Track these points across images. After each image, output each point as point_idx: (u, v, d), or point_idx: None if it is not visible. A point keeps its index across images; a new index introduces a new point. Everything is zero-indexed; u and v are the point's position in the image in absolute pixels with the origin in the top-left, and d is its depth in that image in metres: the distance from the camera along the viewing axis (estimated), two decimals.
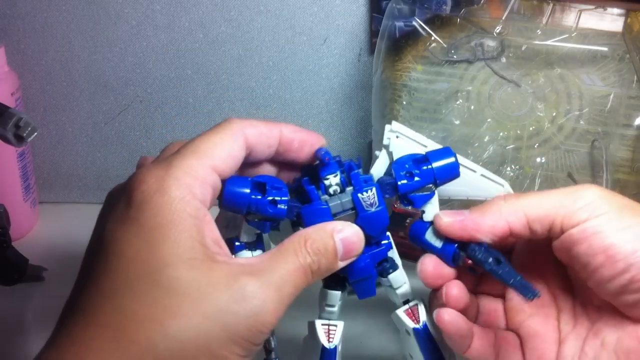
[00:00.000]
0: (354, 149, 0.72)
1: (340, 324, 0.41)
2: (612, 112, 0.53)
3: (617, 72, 0.53)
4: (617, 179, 0.54)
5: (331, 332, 0.41)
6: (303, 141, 0.39)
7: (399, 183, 0.38)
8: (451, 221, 0.38)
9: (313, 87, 0.70)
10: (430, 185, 0.39)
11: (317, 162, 0.39)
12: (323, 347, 0.40)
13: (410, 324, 0.41)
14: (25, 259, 0.61)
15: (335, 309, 0.41)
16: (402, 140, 0.41)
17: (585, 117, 0.54)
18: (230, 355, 0.32)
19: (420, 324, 0.41)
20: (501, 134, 0.55)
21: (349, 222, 0.37)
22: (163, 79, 0.70)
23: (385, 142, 0.42)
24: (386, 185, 0.39)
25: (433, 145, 0.41)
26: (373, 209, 0.38)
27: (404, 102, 0.57)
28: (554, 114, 0.55)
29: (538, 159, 0.55)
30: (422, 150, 0.41)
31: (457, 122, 0.56)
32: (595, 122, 0.54)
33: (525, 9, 0.55)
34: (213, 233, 0.34)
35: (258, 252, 0.40)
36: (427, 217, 0.40)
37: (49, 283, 0.60)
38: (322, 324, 0.41)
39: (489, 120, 0.56)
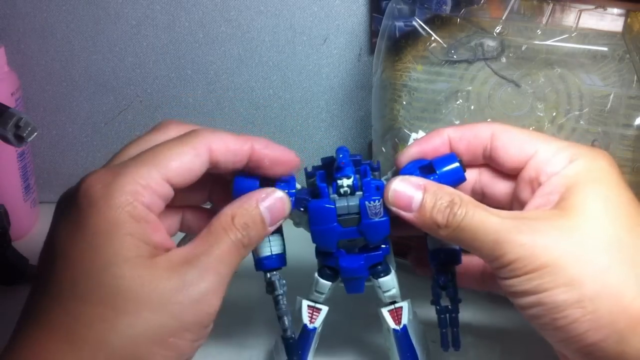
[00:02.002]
0: (354, 149, 0.72)
1: (325, 309, 0.43)
2: (612, 112, 0.53)
3: (617, 72, 0.53)
4: None
5: (315, 314, 0.43)
6: (275, 159, 0.40)
7: None
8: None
9: (313, 87, 0.70)
10: None
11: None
12: (304, 326, 0.42)
13: (392, 324, 0.42)
14: (25, 259, 0.61)
15: (323, 295, 0.42)
16: None
17: (585, 117, 0.54)
18: (182, 341, 0.33)
19: (401, 326, 0.42)
20: None
21: (272, 188, 0.39)
22: (163, 79, 0.70)
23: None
24: None
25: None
26: (377, 218, 0.39)
27: (404, 102, 0.57)
28: (554, 114, 0.55)
29: None
30: None
31: (457, 122, 0.56)
32: (595, 122, 0.54)
33: (525, 9, 0.55)
34: (160, 235, 0.35)
35: (274, 236, 0.41)
36: None
37: None
38: (308, 305, 0.43)
39: (489, 120, 0.56)
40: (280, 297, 0.41)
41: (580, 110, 0.54)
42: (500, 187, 0.41)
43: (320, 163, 0.42)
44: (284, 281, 0.41)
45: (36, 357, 0.32)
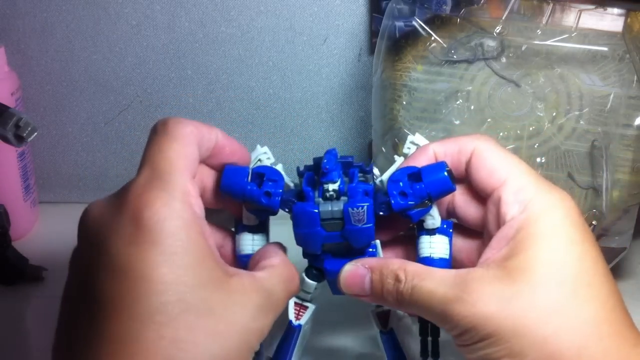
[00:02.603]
0: (354, 149, 0.72)
1: (312, 307, 0.43)
2: (612, 112, 0.53)
3: (617, 72, 0.53)
4: (617, 179, 0.54)
5: (301, 311, 0.43)
6: (233, 151, 0.40)
7: (392, 202, 0.39)
8: None
9: (313, 87, 0.70)
10: (426, 201, 0.39)
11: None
12: (289, 322, 0.42)
13: (378, 327, 0.43)
14: (25, 259, 0.61)
15: (310, 294, 0.42)
16: None
17: (585, 117, 0.54)
18: None
19: (387, 328, 0.42)
20: (501, 134, 0.55)
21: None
22: (163, 79, 0.70)
23: (405, 151, 0.43)
24: (381, 204, 0.39)
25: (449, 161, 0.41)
26: (360, 225, 0.38)
27: (404, 102, 0.57)
28: (554, 114, 0.55)
29: (538, 159, 0.55)
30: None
31: (457, 122, 0.56)
32: (595, 122, 0.54)
33: (525, 9, 0.55)
34: (213, 245, 0.35)
35: (259, 235, 0.41)
36: (427, 225, 0.41)
37: (49, 283, 0.60)
38: (295, 302, 0.43)
39: (489, 120, 0.56)
40: None
41: (580, 110, 0.54)
42: (472, 210, 0.41)
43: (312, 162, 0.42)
44: None
45: None
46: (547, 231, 0.36)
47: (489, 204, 0.39)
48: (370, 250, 0.41)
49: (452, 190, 0.39)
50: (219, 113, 0.71)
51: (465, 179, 0.41)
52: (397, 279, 0.37)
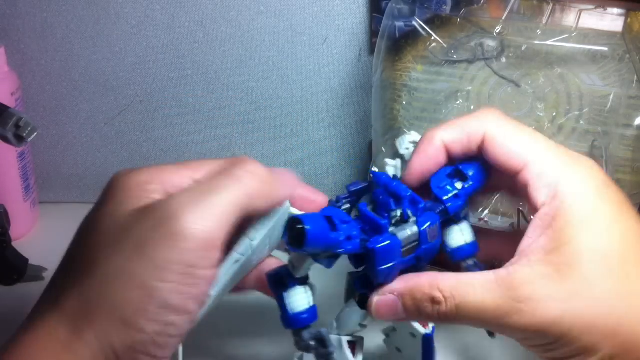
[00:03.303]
0: (354, 149, 0.72)
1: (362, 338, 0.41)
2: (612, 112, 0.53)
3: (617, 72, 0.53)
4: (617, 179, 0.54)
5: (356, 347, 0.40)
6: (305, 199, 0.38)
7: (449, 205, 0.37)
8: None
9: (313, 87, 0.70)
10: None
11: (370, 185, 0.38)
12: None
13: (421, 329, 0.41)
14: (25, 259, 0.61)
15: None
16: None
17: (585, 117, 0.54)
18: (161, 283, 0.30)
19: (429, 328, 0.41)
20: None
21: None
22: (163, 79, 0.70)
23: (403, 151, 0.41)
24: (440, 212, 0.37)
25: None
26: (433, 241, 0.37)
27: (404, 102, 0.57)
28: (554, 114, 0.55)
29: None
30: None
31: None
32: (595, 122, 0.54)
33: (525, 9, 0.55)
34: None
35: (306, 286, 0.39)
36: (459, 216, 0.39)
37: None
38: (348, 341, 0.40)
39: (483, 107, 0.56)
40: (332, 355, 0.38)
41: (580, 110, 0.54)
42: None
43: (346, 191, 0.39)
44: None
45: (31, 317, 0.32)
46: (584, 216, 0.34)
47: (515, 186, 0.37)
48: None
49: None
50: (219, 113, 0.71)
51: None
52: (435, 301, 0.34)
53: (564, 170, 0.35)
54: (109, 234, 0.31)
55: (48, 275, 0.61)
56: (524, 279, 0.33)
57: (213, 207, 0.31)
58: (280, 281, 0.38)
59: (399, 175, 0.40)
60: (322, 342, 0.39)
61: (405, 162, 0.41)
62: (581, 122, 0.54)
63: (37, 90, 0.70)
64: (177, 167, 0.34)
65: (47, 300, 0.33)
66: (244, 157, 0.35)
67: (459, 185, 0.38)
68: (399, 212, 0.36)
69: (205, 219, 0.30)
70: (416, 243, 0.36)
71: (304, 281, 0.39)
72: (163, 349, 0.30)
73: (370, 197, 0.38)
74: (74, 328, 0.30)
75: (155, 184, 0.33)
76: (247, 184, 0.33)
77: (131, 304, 0.29)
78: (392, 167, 0.42)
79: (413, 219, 0.36)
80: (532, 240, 0.35)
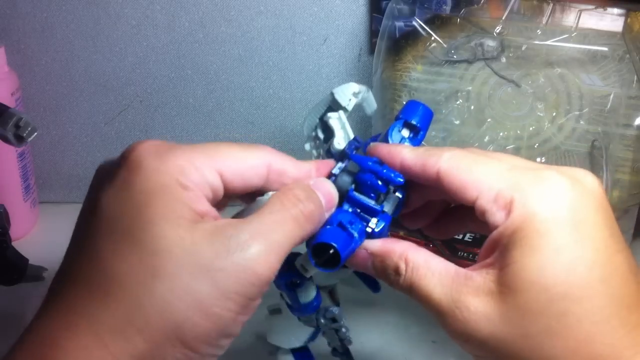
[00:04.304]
0: None
1: None
2: (612, 112, 0.53)
3: (617, 72, 0.53)
4: (617, 179, 0.54)
5: None
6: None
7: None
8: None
9: (313, 87, 0.70)
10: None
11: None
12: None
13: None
14: (25, 259, 0.61)
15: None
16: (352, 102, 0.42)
17: (585, 117, 0.54)
18: (224, 312, 0.31)
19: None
20: (501, 134, 0.55)
21: (322, 178, 0.38)
22: (163, 79, 0.70)
23: (345, 103, 0.41)
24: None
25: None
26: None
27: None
28: (554, 114, 0.55)
29: (538, 159, 0.55)
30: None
31: (457, 122, 0.56)
32: (595, 122, 0.54)
33: (525, 9, 0.55)
34: (207, 206, 0.33)
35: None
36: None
37: (49, 283, 0.59)
38: None
39: (489, 120, 0.56)
40: (343, 327, 0.42)
41: (580, 110, 0.54)
42: None
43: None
44: None
45: (68, 320, 0.31)
46: (532, 241, 0.32)
47: (477, 215, 0.35)
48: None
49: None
50: (219, 113, 0.71)
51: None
52: (397, 272, 0.35)
53: (521, 189, 0.33)
54: (169, 246, 0.31)
55: (48, 275, 0.61)
56: (473, 288, 0.33)
57: (278, 247, 0.33)
58: (292, 283, 0.40)
59: (351, 135, 0.41)
60: (333, 319, 0.41)
61: (347, 113, 0.41)
62: (581, 122, 0.54)
63: (37, 90, 0.70)
64: (205, 158, 0.34)
65: (77, 297, 0.31)
66: (296, 185, 0.36)
67: (406, 133, 0.40)
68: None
69: (272, 257, 0.32)
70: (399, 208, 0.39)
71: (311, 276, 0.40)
72: None
73: (353, 179, 0.38)
74: (125, 339, 0.30)
75: (191, 181, 0.33)
76: (305, 229, 0.34)
77: (193, 328, 0.30)
78: (336, 119, 0.41)
79: (392, 189, 0.38)
80: (483, 255, 0.34)
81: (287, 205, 0.34)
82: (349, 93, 0.40)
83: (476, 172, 0.35)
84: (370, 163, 0.38)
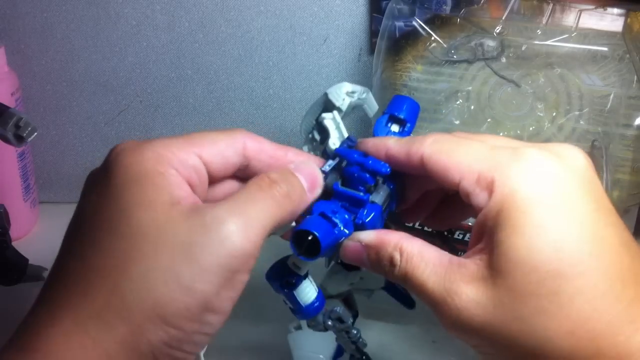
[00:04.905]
0: None
1: None
2: (612, 112, 0.53)
3: (617, 72, 0.53)
4: (617, 179, 0.54)
5: None
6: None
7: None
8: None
9: (313, 87, 0.70)
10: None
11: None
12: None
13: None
14: (25, 259, 0.61)
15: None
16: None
17: (585, 117, 0.54)
18: (204, 286, 0.30)
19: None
20: (501, 134, 0.55)
21: (304, 160, 0.38)
22: (163, 79, 0.70)
23: (340, 104, 0.41)
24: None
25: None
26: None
27: None
28: (554, 114, 0.55)
29: None
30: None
31: (457, 122, 0.56)
32: (595, 122, 0.54)
33: (525, 9, 0.55)
34: (184, 190, 0.33)
35: (309, 277, 0.40)
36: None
37: None
38: None
39: (489, 120, 0.56)
40: (350, 327, 0.42)
41: (580, 110, 0.54)
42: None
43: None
44: None
45: (52, 314, 0.31)
46: (515, 219, 0.31)
47: (462, 198, 0.35)
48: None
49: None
50: (219, 113, 0.71)
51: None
52: (392, 263, 0.35)
53: (501, 168, 0.33)
54: (146, 229, 0.31)
55: (48, 275, 0.61)
56: (465, 275, 0.32)
57: (256, 221, 0.32)
58: (287, 283, 0.39)
59: (345, 134, 0.41)
60: (339, 319, 0.41)
61: (341, 112, 0.41)
62: (581, 122, 0.54)
63: (37, 90, 0.70)
64: (182, 144, 0.35)
65: (61, 292, 0.32)
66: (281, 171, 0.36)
67: (396, 128, 0.40)
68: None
69: (250, 230, 0.32)
70: (390, 198, 0.38)
71: (306, 274, 0.40)
72: (197, 345, 0.31)
73: (340, 173, 0.39)
74: (106, 324, 0.30)
75: (170, 167, 0.33)
76: (283, 206, 0.34)
77: (174, 304, 0.30)
78: (330, 119, 0.41)
79: (381, 179, 0.38)
80: (473, 241, 0.34)
81: (263, 187, 0.34)
82: (343, 93, 0.41)
83: (458, 155, 0.34)
84: (356, 156, 0.38)
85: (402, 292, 0.47)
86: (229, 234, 0.31)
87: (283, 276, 0.39)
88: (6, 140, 0.46)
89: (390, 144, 0.38)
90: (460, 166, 0.34)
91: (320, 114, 0.41)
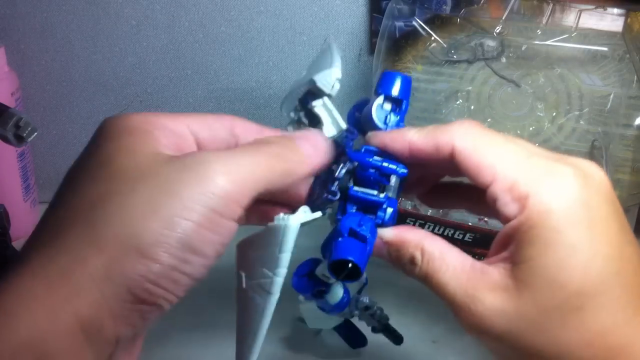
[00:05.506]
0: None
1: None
2: (612, 112, 0.53)
3: (617, 72, 0.53)
4: (617, 179, 0.54)
5: None
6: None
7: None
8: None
9: None
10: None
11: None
12: None
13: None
14: None
15: None
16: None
17: (585, 117, 0.54)
18: (184, 221, 0.29)
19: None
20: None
21: (309, 129, 0.37)
22: (163, 79, 0.70)
23: (330, 91, 0.39)
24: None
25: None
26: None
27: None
28: (554, 114, 0.55)
29: None
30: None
31: None
32: (595, 122, 0.54)
33: (525, 9, 0.55)
34: (170, 148, 0.33)
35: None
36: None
37: None
38: None
39: (489, 120, 0.56)
40: (376, 310, 0.44)
41: (580, 110, 0.54)
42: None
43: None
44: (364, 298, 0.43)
45: (22, 255, 0.30)
46: (547, 238, 0.32)
47: (486, 200, 0.35)
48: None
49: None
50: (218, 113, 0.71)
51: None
52: (413, 262, 0.35)
53: (536, 183, 0.33)
54: (126, 171, 0.30)
55: None
56: (489, 283, 0.33)
57: (243, 168, 0.32)
58: (320, 292, 0.40)
59: (340, 122, 0.39)
60: (366, 307, 0.43)
61: (331, 98, 0.40)
62: (581, 122, 0.54)
63: (37, 90, 0.70)
64: (171, 115, 0.35)
65: (34, 237, 0.31)
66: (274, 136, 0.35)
67: (388, 106, 0.39)
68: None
69: (234, 174, 0.31)
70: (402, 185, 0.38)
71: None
72: (176, 284, 0.30)
73: (354, 176, 0.38)
74: (76, 257, 0.29)
75: (157, 128, 0.33)
76: (274, 164, 0.33)
77: (151, 234, 0.29)
78: (321, 106, 0.40)
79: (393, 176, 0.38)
80: (498, 249, 0.34)
81: (257, 144, 0.34)
82: (333, 79, 0.39)
83: (492, 156, 0.34)
84: (370, 160, 0.37)
85: (353, 333, 0.48)
86: (212, 174, 0.30)
87: (314, 286, 0.39)
88: (6, 140, 0.46)
89: (412, 137, 0.36)
90: (495, 169, 0.34)
91: (305, 97, 0.39)
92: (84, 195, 0.30)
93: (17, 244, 0.63)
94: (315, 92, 0.39)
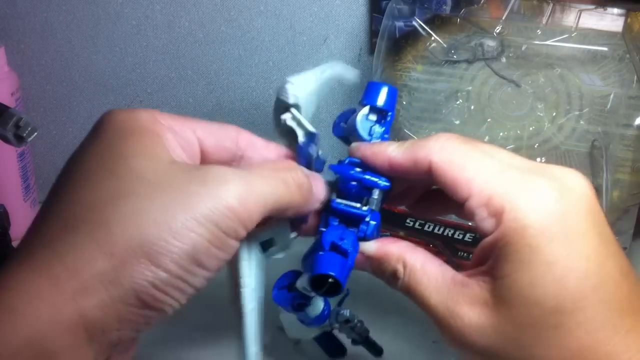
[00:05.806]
0: None
1: None
2: (612, 112, 0.53)
3: (617, 72, 0.53)
4: (617, 179, 0.54)
5: None
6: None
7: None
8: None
9: None
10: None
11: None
12: None
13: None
14: None
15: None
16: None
17: (585, 117, 0.54)
18: (194, 235, 0.30)
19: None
20: (501, 134, 0.55)
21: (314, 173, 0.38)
22: (163, 79, 0.70)
23: (294, 101, 0.40)
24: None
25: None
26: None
27: (404, 102, 0.57)
28: (554, 114, 0.55)
29: (538, 159, 0.55)
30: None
31: (457, 122, 0.56)
32: (595, 122, 0.54)
33: (525, 9, 0.55)
34: (181, 155, 0.33)
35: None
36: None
37: None
38: None
39: (489, 120, 0.56)
40: (357, 325, 0.44)
41: (580, 110, 0.54)
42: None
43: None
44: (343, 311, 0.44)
45: (27, 248, 0.30)
46: (521, 253, 0.31)
47: (466, 214, 0.35)
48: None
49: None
50: (219, 113, 0.71)
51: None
52: (395, 276, 0.36)
53: (511, 197, 0.32)
54: (144, 175, 0.31)
55: None
56: (468, 297, 0.33)
57: (257, 193, 0.32)
58: (300, 305, 0.41)
59: (309, 128, 0.40)
60: (346, 321, 0.43)
61: (299, 107, 0.41)
62: (581, 122, 0.54)
63: (37, 90, 0.70)
64: (177, 117, 0.35)
65: (40, 228, 0.31)
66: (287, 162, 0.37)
67: (373, 117, 0.39)
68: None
69: (248, 199, 0.31)
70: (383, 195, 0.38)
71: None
72: (180, 292, 0.30)
73: (335, 187, 0.38)
74: (86, 255, 0.29)
75: (166, 131, 0.33)
76: (290, 193, 0.34)
77: (161, 244, 0.29)
78: (290, 119, 0.41)
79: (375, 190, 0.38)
80: (476, 262, 0.34)
81: (280, 168, 0.34)
82: (289, 91, 0.40)
83: (469, 170, 0.34)
84: (352, 172, 0.37)
85: (332, 343, 0.48)
86: (227, 194, 0.31)
87: (294, 299, 0.39)
88: (6, 140, 0.46)
89: (392, 152, 0.37)
90: (471, 184, 0.33)
91: (281, 114, 0.41)
92: (99, 188, 0.30)
93: (17, 244, 0.62)
94: (285, 106, 0.41)
